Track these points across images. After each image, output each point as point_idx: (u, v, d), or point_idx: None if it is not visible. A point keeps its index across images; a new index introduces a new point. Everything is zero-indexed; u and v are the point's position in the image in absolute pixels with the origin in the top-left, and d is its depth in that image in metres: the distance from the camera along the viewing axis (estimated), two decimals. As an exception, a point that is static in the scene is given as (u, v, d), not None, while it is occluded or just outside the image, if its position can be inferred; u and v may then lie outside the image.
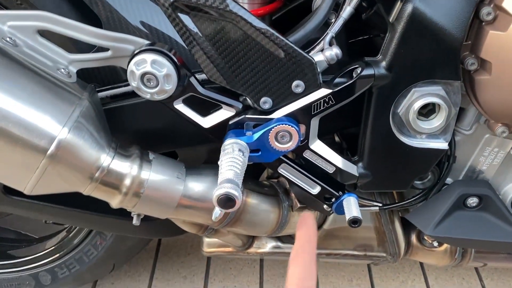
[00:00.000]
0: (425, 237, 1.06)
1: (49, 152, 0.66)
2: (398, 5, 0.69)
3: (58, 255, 1.18)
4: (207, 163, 0.94)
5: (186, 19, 0.69)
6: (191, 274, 1.45)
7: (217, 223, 0.86)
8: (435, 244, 1.05)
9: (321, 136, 0.80)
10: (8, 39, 0.68)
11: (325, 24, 0.78)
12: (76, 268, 1.18)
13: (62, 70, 0.72)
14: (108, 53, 0.73)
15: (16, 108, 0.65)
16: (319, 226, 1.02)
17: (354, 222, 0.79)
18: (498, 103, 0.75)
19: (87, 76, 0.83)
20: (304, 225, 0.60)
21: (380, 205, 0.93)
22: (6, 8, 0.83)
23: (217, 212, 0.65)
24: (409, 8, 0.68)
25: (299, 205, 0.92)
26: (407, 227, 1.06)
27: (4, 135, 0.65)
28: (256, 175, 1.02)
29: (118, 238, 1.13)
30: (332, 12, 0.78)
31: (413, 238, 1.07)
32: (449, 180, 0.91)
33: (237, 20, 0.68)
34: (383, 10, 0.71)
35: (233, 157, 0.68)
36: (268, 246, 1.06)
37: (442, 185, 0.89)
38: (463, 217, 0.88)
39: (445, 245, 1.05)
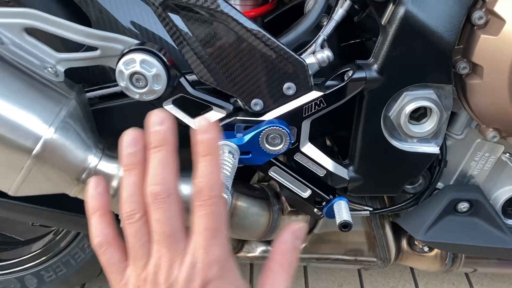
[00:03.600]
0: (416, 242, 1.05)
1: (34, 152, 0.65)
2: (390, 8, 0.69)
3: (44, 258, 1.16)
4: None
5: (176, 19, 0.68)
6: (180, 278, 1.43)
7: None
8: (426, 249, 1.05)
9: (312, 139, 0.80)
10: (-6, 36, 0.67)
11: (317, 27, 0.78)
12: (63, 271, 1.16)
13: (50, 69, 0.71)
14: (97, 53, 0.72)
15: (1, 106, 0.64)
16: (310, 231, 1.02)
17: (345, 226, 0.78)
18: (489, 108, 0.75)
19: (75, 76, 0.81)
20: (287, 240, 0.50)
21: (371, 209, 0.93)
22: (-7, 6, 0.82)
23: (206, 214, 0.64)
24: (401, 11, 0.68)
25: (289, 209, 0.91)
26: (398, 232, 1.05)
27: (-12, 134, 0.64)
28: (247, 178, 1.01)
29: (106, 241, 1.12)
30: (324, 15, 0.77)
31: (404, 243, 1.06)
32: (440, 184, 0.91)
33: (229, 21, 0.68)
34: (375, 13, 0.70)
35: (223, 159, 0.67)
36: (258, 250, 1.05)
37: (433, 189, 0.89)
38: (454, 222, 0.88)
39: (435, 250, 1.05)
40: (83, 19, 0.80)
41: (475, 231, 0.88)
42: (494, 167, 0.88)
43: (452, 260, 1.06)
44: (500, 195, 0.91)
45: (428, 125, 0.77)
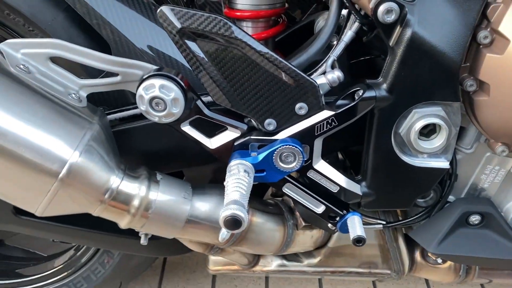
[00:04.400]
0: (429, 254, 1.06)
1: (60, 175, 0.68)
2: (398, 29, 0.71)
3: (66, 273, 1.19)
4: (213, 182, 0.96)
5: (193, 45, 0.72)
6: (197, 291, 1.45)
7: (223, 242, 0.87)
8: (439, 261, 1.06)
9: (325, 155, 0.82)
10: (21, 66, 0.71)
11: (327, 46, 0.80)
12: (84, 286, 1.19)
13: (73, 95, 0.75)
14: (118, 78, 0.75)
15: (29, 132, 0.68)
16: (324, 244, 1.03)
17: (358, 241, 0.80)
18: (497, 123, 0.76)
19: (96, 99, 0.85)
20: None
21: (384, 223, 0.95)
22: (19, 34, 0.86)
23: (224, 233, 0.66)
24: (408, 32, 0.70)
25: (304, 224, 0.93)
26: (411, 244, 1.06)
27: (17, 158, 0.68)
28: (261, 194, 1.04)
29: (125, 256, 1.15)
30: (334, 34, 0.80)
31: (417, 254, 1.07)
32: (451, 198, 0.92)
33: (242, 46, 0.71)
34: (383, 35, 0.73)
35: (238, 178, 0.70)
36: (273, 264, 1.06)
37: (445, 203, 0.90)
38: (466, 234, 0.89)
39: (449, 262, 1.06)
40: (102, 43, 0.84)
41: (487, 243, 0.89)
42: (505, 180, 0.89)
43: (466, 271, 1.06)
44: (511, 208, 0.92)
45: (437, 141, 0.79)
